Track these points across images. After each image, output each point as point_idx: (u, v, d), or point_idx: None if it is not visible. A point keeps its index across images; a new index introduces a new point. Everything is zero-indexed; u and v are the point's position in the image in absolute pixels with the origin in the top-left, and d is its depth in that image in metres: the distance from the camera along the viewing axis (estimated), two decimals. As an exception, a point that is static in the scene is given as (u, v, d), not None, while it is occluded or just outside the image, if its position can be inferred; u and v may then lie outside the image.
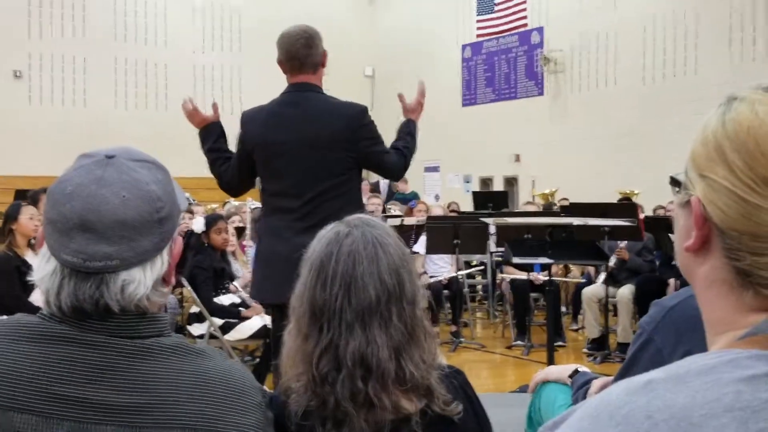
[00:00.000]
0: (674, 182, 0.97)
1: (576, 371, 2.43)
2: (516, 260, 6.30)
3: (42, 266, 1.34)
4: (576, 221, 6.56)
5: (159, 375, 1.31)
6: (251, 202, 8.33)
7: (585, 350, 8.03)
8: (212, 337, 6.08)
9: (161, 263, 1.36)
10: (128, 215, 1.30)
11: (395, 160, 4.01)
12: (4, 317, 1.40)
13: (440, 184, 19.52)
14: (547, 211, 10.85)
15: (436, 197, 18.54)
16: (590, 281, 8.69)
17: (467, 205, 14.24)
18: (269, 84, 19.62)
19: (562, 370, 2.54)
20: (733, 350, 0.83)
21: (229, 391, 1.36)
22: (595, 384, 2.22)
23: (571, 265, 9.55)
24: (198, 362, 1.36)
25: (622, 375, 1.87)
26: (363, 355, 1.68)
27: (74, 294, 1.30)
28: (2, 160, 14.98)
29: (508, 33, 18.16)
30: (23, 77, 17.73)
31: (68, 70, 18.14)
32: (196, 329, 6.25)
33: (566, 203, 11.32)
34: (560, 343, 8.26)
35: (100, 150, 1.39)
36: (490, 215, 9.26)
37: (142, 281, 1.32)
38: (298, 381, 1.74)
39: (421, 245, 9.03)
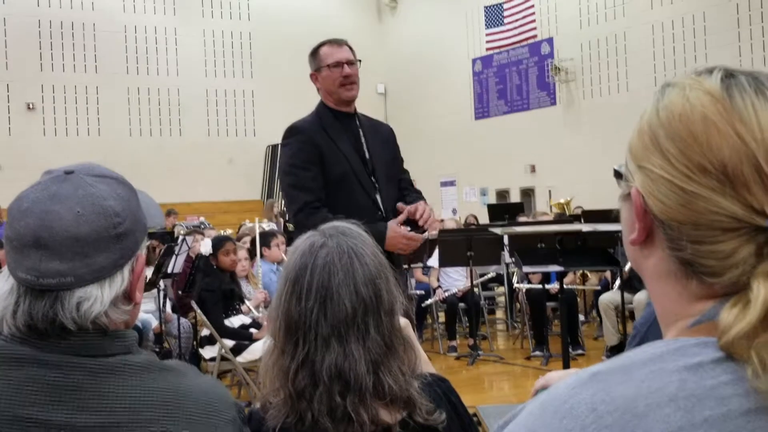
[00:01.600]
0: (617, 174, 0.95)
1: None
2: (526, 269, 6.24)
3: (0, 286, 1.32)
4: (585, 228, 6.49)
5: (126, 393, 1.27)
6: (257, 223, 8.35)
7: (604, 358, 7.93)
8: (224, 359, 6.06)
9: (121, 280, 1.32)
10: (82, 231, 1.27)
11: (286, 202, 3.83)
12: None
13: (457, 198, 19.49)
14: (558, 219, 10.78)
15: (454, 211, 18.51)
16: (608, 288, 8.60)
17: (484, 218, 14.19)
18: (282, 107, 19.87)
19: (562, 375, 2.50)
20: (680, 339, 0.82)
21: (201, 408, 1.32)
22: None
23: (588, 273, 9.46)
24: (168, 379, 1.32)
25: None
26: (340, 370, 1.65)
27: (29, 312, 1.27)
28: (19, 191, 15.06)
29: (518, 45, 18.16)
30: (36, 109, 17.91)
31: (81, 101, 18.32)
32: (207, 352, 6.24)
33: (579, 211, 11.24)
34: (579, 352, 8.17)
35: (62, 167, 1.37)
36: (502, 226, 9.20)
37: (98, 298, 1.29)
38: (276, 396, 1.71)
39: (434, 259, 8.99)
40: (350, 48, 3.81)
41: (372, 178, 3.74)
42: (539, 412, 0.81)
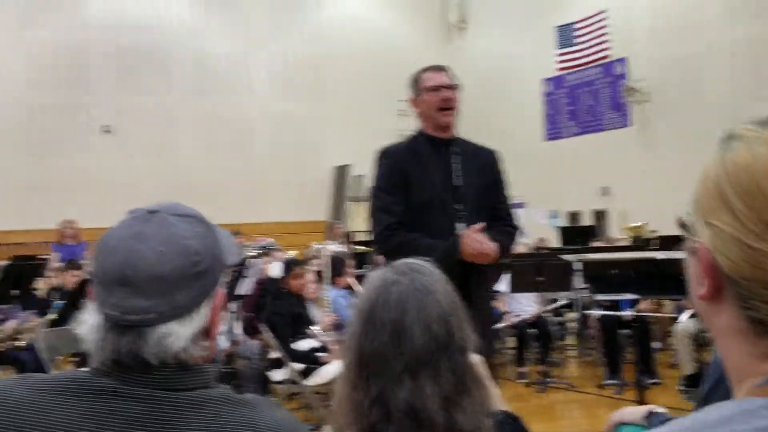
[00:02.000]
0: (683, 226, 0.94)
1: (651, 413, 2.33)
2: (599, 297, 6.12)
3: (87, 320, 1.37)
4: (660, 255, 6.34)
5: (205, 427, 1.30)
6: (327, 246, 8.39)
7: (679, 387, 7.73)
8: (293, 382, 6.08)
9: (201, 317, 1.37)
10: (164, 270, 1.32)
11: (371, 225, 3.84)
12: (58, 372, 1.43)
13: (526, 221, 19.30)
14: (632, 245, 10.57)
15: (523, 233, 18.32)
16: (684, 315, 8.38)
17: (555, 241, 14.02)
18: (350, 128, 19.97)
19: (636, 411, 2.45)
20: (750, 399, 0.80)
21: None
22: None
23: (663, 300, 9.25)
24: (244, 413, 1.35)
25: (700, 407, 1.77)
26: (412, 406, 1.63)
27: (114, 347, 1.33)
28: (96, 212, 15.47)
29: (591, 65, 17.98)
30: (112, 132, 18.39)
31: (155, 124, 18.75)
32: (276, 374, 6.26)
33: (654, 235, 11.02)
34: (654, 381, 7.97)
35: (146, 206, 1.43)
36: (576, 251, 9.07)
37: (179, 335, 1.33)
38: (349, 430, 1.70)
39: (504, 284, 8.90)
40: (451, 74, 3.83)
41: (457, 206, 3.72)
42: None
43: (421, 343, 1.65)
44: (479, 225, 3.58)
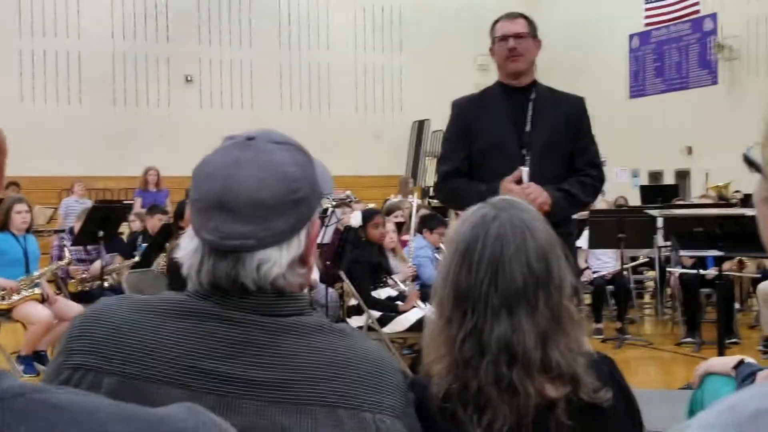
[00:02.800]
0: (750, 164, 0.85)
1: (741, 362, 2.29)
2: (683, 253, 6.01)
3: (186, 245, 1.38)
4: (749, 212, 6.18)
5: (299, 352, 1.32)
6: (414, 198, 8.41)
7: (760, 348, 7.59)
8: (370, 329, 6.16)
9: (298, 244, 1.36)
10: (264, 196, 1.31)
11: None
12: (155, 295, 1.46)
13: (607, 179, 18.99)
14: (719, 202, 10.32)
15: (603, 192, 18.05)
16: (766, 276, 8.20)
17: (635, 200, 13.79)
18: (430, 82, 19.85)
19: (726, 362, 2.41)
20: None
21: (369, 371, 1.35)
22: (761, 375, 2.09)
23: (746, 260, 9.04)
24: (338, 341, 1.36)
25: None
26: (508, 342, 1.64)
27: (212, 272, 1.33)
28: (177, 161, 15.75)
29: (679, 21, 17.44)
30: (194, 82, 18.65)
31: (236, 74, 18.94)
32: (354, 322, 6.35)
33: (740, 195, 10.74)
34: (734, 341, 7.85)
35: (244, 132, 1.42)
36: (658, 208, 8.90)
37: (277, 261, 1.33)
38: (440, 363, 1.72)
39: (583, 240, 8.80)
40: (527, 20, 3.78)
41: (523, 151, 3.66)
42: None
43: (519, 279, 1.65)
44: (515, 174, 3.52)
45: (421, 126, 19.98)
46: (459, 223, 1.81)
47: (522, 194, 3.35)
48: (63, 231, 9.93)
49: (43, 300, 6.60)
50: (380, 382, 1.36)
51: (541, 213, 3.41)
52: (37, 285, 6.67)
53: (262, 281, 1.32)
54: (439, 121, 18.67)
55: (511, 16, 3.80)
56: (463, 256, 1.70)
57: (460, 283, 1.69)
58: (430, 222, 7.36)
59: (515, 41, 3.69)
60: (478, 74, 16.90)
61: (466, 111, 3.77)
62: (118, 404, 0.72)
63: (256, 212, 1.31)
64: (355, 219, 6.68)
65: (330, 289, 7.75)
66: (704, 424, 0.74)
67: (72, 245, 7.73)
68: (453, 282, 1.71)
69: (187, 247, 1.37)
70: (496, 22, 3.80)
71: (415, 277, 6.94)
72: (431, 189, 14.91)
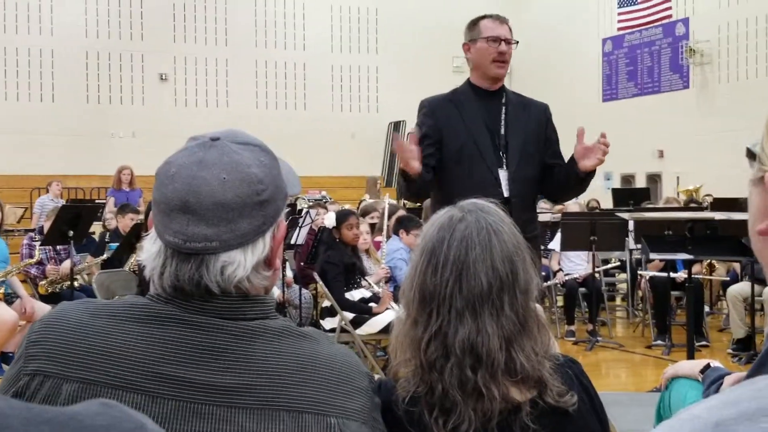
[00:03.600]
0: (750, 154, 0.87)
1: (708, 366, 2.31)
2: (653, 256, 6.06)
3: (148, 247, 1.36)
4: (718, 216, 6.25)
5: (264, 356, 1.30)
6: (388, 198, 8.39)
7: (729, 351, 7.67)
8: (343, 331, 6.15)
9: (263, 246, 1.34)
10: (227, 197, 1.29)
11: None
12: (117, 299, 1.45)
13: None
14: (688, 206, 10.42)
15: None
16: (736, 279, 8.29)
17: (607, 203, 13.87)
18: (406, 83, 19.83)
19: (693, 365, 2.43)
20: None
21: (335, 375, 1.34)
22: (728, 380, 2.11)
23: (715, 263, 9.14)
24: (304, 345, 1.35)
25: (754, 372, 1.76)
26: (473, 344, 1.64)
27: (175, 274, 1.31)
28: (151, 160, 15.65)
29: (652, 25, 17.59)
30: (169, 80, 18.55)
31: (211, 72, 18.86)
32: (328, 323, 6.34)
33: (710, 199, 10.86)
34: (703, 343, 7.92)
35: (207, 133, 1.40)
36: (629, 211, 8.97)
37: (241, 263, 1.31)
38: (406, 366, 1.72)
39: (556, 242, 8.86)
40: (510, 28, 3.78)
41: (501, 153, 3.68)
42: None
43: (483, 281, 1.65)
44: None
45: (396, 127, 20.00)
46: (428, 224, 1.81)
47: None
48: (33, 230, 9.83)
49: (9, 303, 6.48)
50: (346, 386, 1.35)
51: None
52: (2, 284, 6.58)
53: (225, 284, 1.30)
54: (414, 121, 18.50)
55: (500, 19, 3.77)
56: (429, 258, 1.70)
57: (425, 284, 1.69)
58: (407, 223, 7.35)
59: (506, 47, 3.70)
60: (454, 76, 16.91)
61: (437, 110, 3.73)
62: (29, 407, 0.69)
63: (219, 214, 1.29)
64: (329, 220, 6.66)
65: (304, 290, 7.74)
66: None
67: (41, 245, 7.66)
68: (419, 283, 1.71)
69: (150, 250, 1.35)
70: (479, 20, 3.76)
71: (390, 279, 6.93)
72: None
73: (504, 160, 3.66)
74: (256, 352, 1.30)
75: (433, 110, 3.75)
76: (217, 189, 1.29)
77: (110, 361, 1.28)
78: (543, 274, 9.06)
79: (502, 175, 3.63)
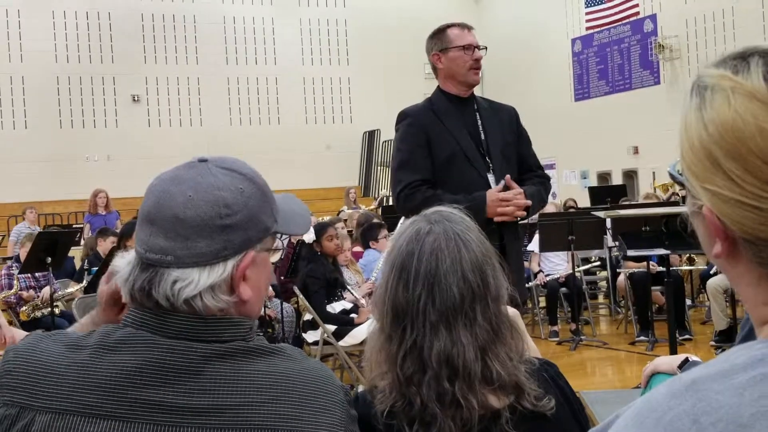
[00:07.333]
0: (675, 180, 0.92)
1: (686, 360, 2.32)
2: (631, 253, 6.10)
3: (128, 255, 1.41)
4: (692, 209, 6.28)
5: (236, 376, 1.30)
6: (363, 208, 8.40)
7: (712, 343, 7.72)
8: (326, 343, 6.15)
9: (223, 270, 1.34)
10: (187, 214, 1.31)
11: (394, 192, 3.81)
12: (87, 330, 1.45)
13: (556, 182, 19.19)
14: (663, 201, 10.49)
15: (553, 195, 18.23)
16: (717, 271, 8.35)
17: (584, 202, 13.94)
18: (378, 93, 19.85)
19: (672, 360, 2.44)
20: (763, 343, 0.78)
21: (309, 390, 1.33)
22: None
23: (695, 256, 9.20)
24: (276, 362, 1.34)
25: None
26: (448, 356, 1.65)
27: (132, 282, 1.35)
28: (126, 182, 15.61)
29: (620, 23, 17.72)
30: (141, 101, 18.48)
31: (183, 92, 18.80)
32: (310, 336, 6.34)
33: (683, 193, 10.91)
34: (687, 337, 7.97)
35: (207, 155, 1.44)
36: (605, 210, 9.02)
37: (194, 282, 1.31)
38: (383, 380, 1.72)
39: (535, 243, 8.89)
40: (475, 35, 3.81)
41: (486, 158, 3.71)
42: (636, 423, 0.77)
43: (455, 293, 1.66)
44: (502, 184, 3.58)
45: (372, 136, 20.03)
46: (396, 236, 1.81)
47: (515, 199, 3.53)
48: (10, 258, 9.76)
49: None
50: (321, 401, 1.34)
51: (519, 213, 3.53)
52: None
53: (174, 299, 1.31)
54: (389, 130, 18.51)
55: (467, 26, 3.79)
56: (400, 273, 1.70)
57: (397, 299, 1.69)
58: (370, 233, 7.37)
59: (479, 53, 3.72)
60: (425, 83, 16.99)
61: (420, 120, 3.73)
62: None
63: (177, 229, 1.31)
64: (307, 234, 6.66)
65: (286, 304, 7.73)
66: (623, 425, 0.79)
67: (19, 273, 7.61)
68: (391, 298, 1.71)
69: (126, 257, 1.39)
70: (446, 28, 3.77)
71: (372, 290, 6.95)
72: (386, 198, 14.88)
73: (490, 165, 3.70)
74: (229, 373, 1.30)
75: (417, 120, 3.74)
76: (180, 205, 1.32)
77: (82, 390, 1.28)
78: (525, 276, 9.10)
79: (491, 179, 3.66)
